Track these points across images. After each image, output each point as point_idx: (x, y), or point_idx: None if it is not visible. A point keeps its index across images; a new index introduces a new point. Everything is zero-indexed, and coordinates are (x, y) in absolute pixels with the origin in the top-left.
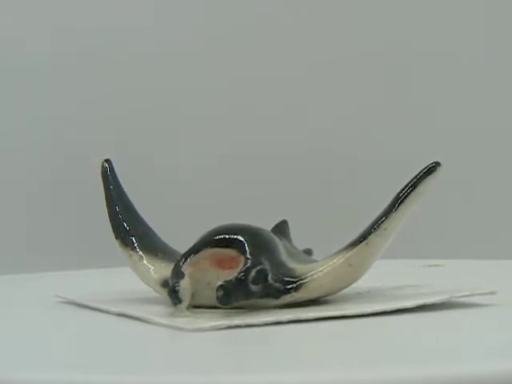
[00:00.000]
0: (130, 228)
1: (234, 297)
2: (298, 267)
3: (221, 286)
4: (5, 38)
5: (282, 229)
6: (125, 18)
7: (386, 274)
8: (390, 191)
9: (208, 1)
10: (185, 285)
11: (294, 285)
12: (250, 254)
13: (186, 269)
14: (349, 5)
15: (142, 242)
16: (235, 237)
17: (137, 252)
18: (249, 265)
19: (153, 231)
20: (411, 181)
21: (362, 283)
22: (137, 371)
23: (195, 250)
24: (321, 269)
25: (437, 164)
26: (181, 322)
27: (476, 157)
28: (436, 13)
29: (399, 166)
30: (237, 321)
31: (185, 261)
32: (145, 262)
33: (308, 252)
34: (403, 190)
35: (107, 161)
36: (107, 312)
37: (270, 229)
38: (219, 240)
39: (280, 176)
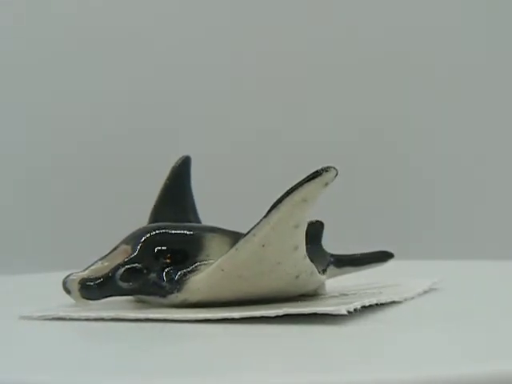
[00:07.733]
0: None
1: (94, 292)
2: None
3: (81, 279)
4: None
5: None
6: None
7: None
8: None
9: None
10: (76, 277)
11: (178, 285)
12: (139, 252)
13: (104, 263)
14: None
15: None
16: (135, 235)
17: None
18: (121, 262)
19: None
20: (291, 187)
21: None
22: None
23: (117, 246)
24: (199, 272)
25: (323, 170)
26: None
27: None
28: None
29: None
30: (62, 313)
31: (105, 256)
32: None
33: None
34: (281, 196)
35: (185, 156)
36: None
37: None
38: (128, 237)
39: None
